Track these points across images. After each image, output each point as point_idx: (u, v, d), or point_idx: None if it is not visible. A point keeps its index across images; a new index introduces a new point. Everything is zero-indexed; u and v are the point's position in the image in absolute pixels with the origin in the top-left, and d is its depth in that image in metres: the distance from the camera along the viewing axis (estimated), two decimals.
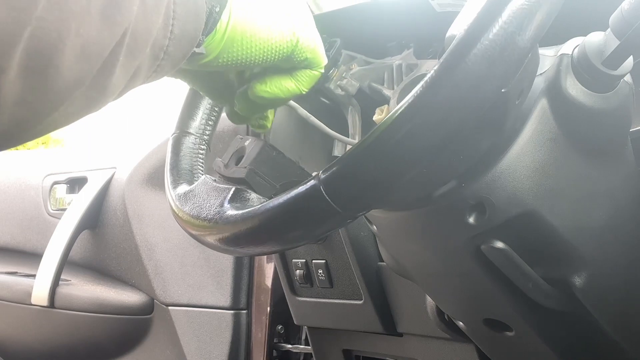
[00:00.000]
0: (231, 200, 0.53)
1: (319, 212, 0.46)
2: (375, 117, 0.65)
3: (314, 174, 0.46)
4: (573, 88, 0.49)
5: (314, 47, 0.55)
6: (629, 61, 0.49)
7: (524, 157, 0.49)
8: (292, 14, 0.53)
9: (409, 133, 0.41)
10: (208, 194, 0.55)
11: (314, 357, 1.06)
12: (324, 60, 0.57)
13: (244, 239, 0.50)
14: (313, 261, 0.94)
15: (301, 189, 0.46)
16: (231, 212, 0.51)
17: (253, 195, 0.54)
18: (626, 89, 0.51)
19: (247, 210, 0.50)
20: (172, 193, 0.60)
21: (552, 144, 0.50)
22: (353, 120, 0.72)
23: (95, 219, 1.56)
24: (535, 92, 0.49)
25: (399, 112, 0.41)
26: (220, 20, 0.49)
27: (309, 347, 1.07)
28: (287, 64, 0.55)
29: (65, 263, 1.51)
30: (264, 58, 0.52)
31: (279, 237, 0.48)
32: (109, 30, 0.35)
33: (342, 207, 0.45)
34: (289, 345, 1.24)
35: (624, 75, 0.50)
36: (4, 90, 0.30)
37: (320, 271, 0.93)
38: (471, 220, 0.50)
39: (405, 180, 0.44)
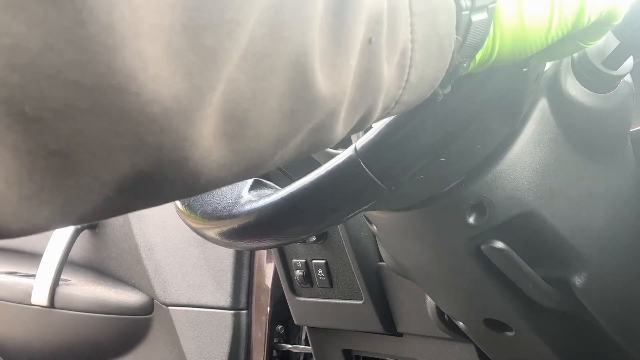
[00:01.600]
0: (251, 190, 0.53)
1: (357, 183, 0.45)
2: None
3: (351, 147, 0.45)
4: (573, 88, 0.49)
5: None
6: (629, 61, 0.49)
7: (524, 157, 0.49)
8: None
9: (441, 107, 0.41)
10: (219, 195, 0.55)
11: (314, 357, 1.06)
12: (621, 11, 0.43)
13: (280, 222, 0.49)
14: (313, 261, 0.94)
15: (339, 160, 0.46)
16: (254, 199, 0.50)
17: (271, 185, 0.53)
18: (626, 89, 0.51)
19: (279, 192, 0.49)
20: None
21: (552, 144, 0.50)
22: None
23: None
24: (535, 92, 0.49)
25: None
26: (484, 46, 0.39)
27: (309, 347, 1.07)
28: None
29: (65, 263, 1.51)
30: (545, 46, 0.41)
31: (321, 214, 0.48)
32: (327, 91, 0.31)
33: (380, 176, 0.44)
34: (289, 345, 1.24)
35: (624, 76, 0.50)
36: (197, 160, 0.26)
37: (320, 271, 0.93)
38: (471, 220, 0.50)
39: (435, 154, 0.44)
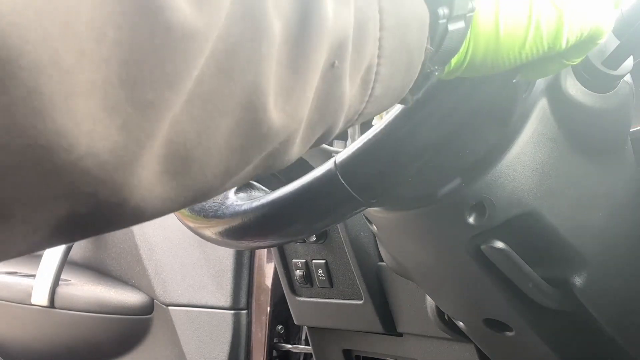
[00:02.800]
0: (238, 192, 0.53)
1: (334, 197, 0.45)
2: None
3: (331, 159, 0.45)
4: (573, 88, 0.49)
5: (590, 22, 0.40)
6: (629, 61, 0.49)
7: (524, 157, 0.49)
8: None
9: (425, 117, 0.41)
10: None
11: (314, 357, 1.06)
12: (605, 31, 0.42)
13: (257, 229, 0.49)
14: (313, 261, 0.94)
15: (318, 174, 0.46)
16: (238, 203, 0.51)
17: (259, 187, 0.54)
18: (626, 89, 0.51)
19: (257, 199, 0.49)
20: None
21: (552, 144, 0.50)
22: None
23: None
24: (535, 92, 0.49)
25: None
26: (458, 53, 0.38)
27: (309, 347, 1.07)
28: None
29: (65, 263, 1.51)
30: (521, 61, 0.40)
31: (298, 224, 0.48)
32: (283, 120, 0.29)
33: (357, 191, 0.44)
34: (289, 345, 1.24)
35: (624, 76, 0.50)
36: (138, 200, 0.26)
37: (320, 271, 0.93)
38: (471, 220, 0.50)
39: (416, 168, 0.44)
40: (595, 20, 0.40)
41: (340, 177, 0.45)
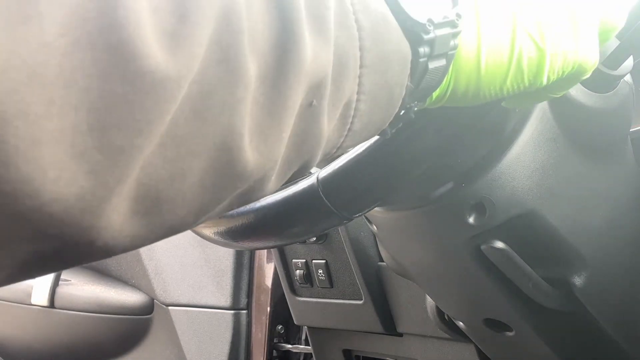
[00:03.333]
0: None
1: (315, 211, 0.46)
2: None
3: (313, 172, 0.46)
4: (573, 88, 0.49)
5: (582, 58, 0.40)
6: (629, 61, 0.49)
7: (524, 157, 0.49)
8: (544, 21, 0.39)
9: (407, 137, 0.41)
10: None
11: (314, 357, 1.06)
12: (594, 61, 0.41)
13: (241, 233, 0.50)
14: (313, 261, 0.94)
15: (300, 188, 0.46)
16: None
17: None
18: (626, 89, 0.51)
19: (245, 206, 0.50)
20: None
21: (552, 144, 0.50)
22: None
23: None
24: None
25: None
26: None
27: (309, 347, 1.07)
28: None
29: None
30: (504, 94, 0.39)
31: (275, 234, 0.49)
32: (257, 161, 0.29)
33: (338, 208, 0.45)
34: (289, 345, 1.24)
35: (624, 76, 0.50)
36: (107, 240, 0.25)
37: (320, 271, 0.93)
38: (471, 220, 0.50)
39: (402, 185, 0.44)
40: (579, 58, 0.40)
41: (321, 193, 0.45)
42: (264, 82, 0.28)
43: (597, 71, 0.49)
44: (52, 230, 0.24)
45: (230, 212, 0.51)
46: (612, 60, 0.48)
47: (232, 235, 0.51)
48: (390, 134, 0.38)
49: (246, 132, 0.28)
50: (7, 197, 0.22)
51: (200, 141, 0.26)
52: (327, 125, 0.32)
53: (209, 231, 0.53)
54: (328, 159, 0.36)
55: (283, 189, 0.48)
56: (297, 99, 0.29)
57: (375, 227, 0.59)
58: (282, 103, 0.28)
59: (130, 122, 0.23)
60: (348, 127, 0.33)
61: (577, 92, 0.49)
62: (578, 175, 0.51)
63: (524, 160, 0.49)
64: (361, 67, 0.32)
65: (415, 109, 0.37)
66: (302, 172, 0.34)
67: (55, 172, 0.22)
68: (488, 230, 0.51)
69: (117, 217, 0.25)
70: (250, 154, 0.28)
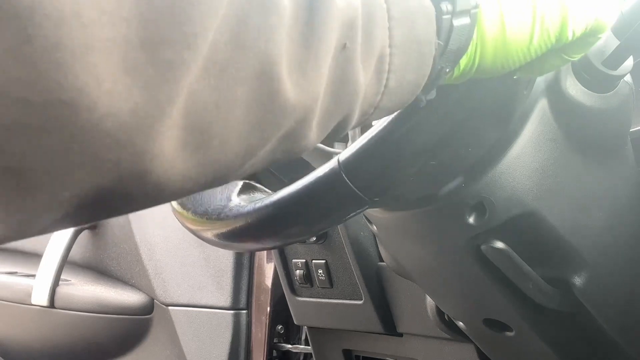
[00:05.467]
0: (240, 194, 0.53)
1: (339, 196, 0.45)
2: None
3: (334, 158, 0.45)
4: (573, 88, 0.49)
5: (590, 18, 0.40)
6: (629, 61, 0.49)
7: (524, 157, 0.49)
8: None
9: (426, 114, 0.41)
10: (209, 193, 0.55)
11: (314, 357, 1.06)
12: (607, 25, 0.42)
13: (261, 230, 0.49)
14: (313, 261, 0.94)
15: (321, 173, 0.46)
16: (241, 204, 0.51)
17: (261, 188, 0.53)
18: (626, 89, 0.51)
19: (261, 200, 0.49)
20: None
21: (552, 144, 0.50)
22: None
23: None
24: (535, 92, 0.49)
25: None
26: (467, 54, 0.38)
27: (309, 347, 1.07)
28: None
29: (65, 263, 1.51)
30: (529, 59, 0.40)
31: (302, 224, 0.48)
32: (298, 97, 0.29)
33: (362, 190, 0.45)
34: (289, 345, 1.24)
35: (624, 76, 0.50)
36: (160, 173, 0.25)
37: (320, 271, 0.93)
38: (471, 220, 0.50)
39: (422, 165, 0.44)
40: (598, 13, 0.40)
41: (344, 176, 0.45)
42: (297, 17, 0.29)
43: (597, 71, 0.49)
44: (109, 154, 0.24)
45: (246, 209, 0.50)
46: (612, 60, 0.48)
47: (250, 234, 0.50)
48: (425, 101, 0.38)
49: (284, 63, 0.28)
50: (65, 108, 0.22)
51: (241, 68, 0.27)
52: (363, 76, 0.32)
53: (219, 233, 0.52)
54: (365, 120, 0.36)
55: (304, 178, 0.47)
56: (330, 38, 0.30)
57: (375, 227, 0.59)
58: (316, 39, 0.29)
59: (179, 35, 0.24)
60: (384, 82, 0.34)
61: (577, 92, 0.49)
62: (578, 175, 0.51)
63: (524, 160, 0.49)
64: (389, 19, 0.33)
65: (447, 70, 0.37)
66: (342, 127, 0.34)
67: (110, 84, 0.23)
68: (488, 230, 0.51)
69: (169, 146, 0.25)
70: (289, 86, 0.29)
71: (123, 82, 0.23)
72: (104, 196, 0.25)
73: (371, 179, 0.45)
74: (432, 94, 0.39)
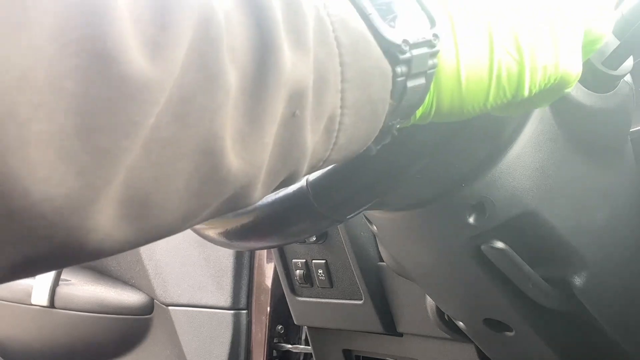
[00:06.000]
0: None
1: (306, 215, 0.46)
2: None
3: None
4: (573, 88, 0.49)
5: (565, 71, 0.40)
6: (629, 61, 0.49)
7: (524, 157, 0.49)
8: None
9: (398, 140, 0.41)
10: None
11: (314, 357, 1.06)
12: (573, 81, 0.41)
13: (237, 234, 0.50)
14: (313, 261, 0.94)
15: (290, 191, 0.46)
16: None
17: None
18: (626, 89, 0.51)
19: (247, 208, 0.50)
20: None
21: (552, 144, 0.50)
22: None
23: None
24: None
25: None
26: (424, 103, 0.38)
27: (309, 347, 1.07)
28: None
29: None
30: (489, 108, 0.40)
31: (270, 235, 0.49)
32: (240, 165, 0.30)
33: (328, 212, 0.45)
34: (289, 345, 1.24)
35: (624, 76, 0.50)
36: (96, 244, 0.26)
37: (320, 271, 0.93)
38: (471, 220, 0.50)
39: (394, 187, 0.44)
40: (560, 70, 0.39)
41: (310, 198, 0.45)
42: (244, 91, 0.29)
43: (597, 71, 0.49)
44: (42, 232, 0.24)
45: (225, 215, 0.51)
46: (612, 60, 0.48)
47: (228, 236, 0.51)
48: (375, 150, 0.38)
49: (228, 137, 0.28)
50: None
51: (183, 145, 0.27)
52: (312, 137, 0.33)
53: (209, 232, 0.53)
54: (314, 171, 0.36)
55: (276, 193, 0.48)
56: (277, 108, 0.30)
57: (375, 227, 0.59)
58: (262, 111, 0.29)
59: (116, 125, 0.24)
60: (333, 140, 0.34)
61: (577, 92, 0.49)
62: (578, 175, 0.51)
63: (524, 160, 0.49)
64: (342, 81, 0.33)
65: (398, 126, 0.38)
66: (289, 182, 0.34)
67: (45, 172, 0.23)
68: (488, 230, 0.51)
69: (105, 220, 0.26)
70: (233, 159, 0.29)
71: (58, 169, 0.24)
72: (37, 262, 0.26)
73: (338, 201, 0.45)
74: (385, 141, 0.39)
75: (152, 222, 0.28)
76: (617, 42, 0.48)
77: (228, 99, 0.28)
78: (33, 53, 0.22)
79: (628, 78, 0.51)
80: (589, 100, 0.50)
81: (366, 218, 0.60)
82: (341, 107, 0.33)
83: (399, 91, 0.36)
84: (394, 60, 0.35)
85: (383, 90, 0.35)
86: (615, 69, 0.49)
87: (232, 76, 0.28)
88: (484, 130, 0.47)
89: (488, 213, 0.50)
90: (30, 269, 0.26)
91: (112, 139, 0.24)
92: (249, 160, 0.30)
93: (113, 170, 0.25)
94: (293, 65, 0.30)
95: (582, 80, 0.49)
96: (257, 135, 0.30)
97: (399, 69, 0.35)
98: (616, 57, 0.48)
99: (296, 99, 0.31)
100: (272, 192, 0.35)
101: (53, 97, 0.23)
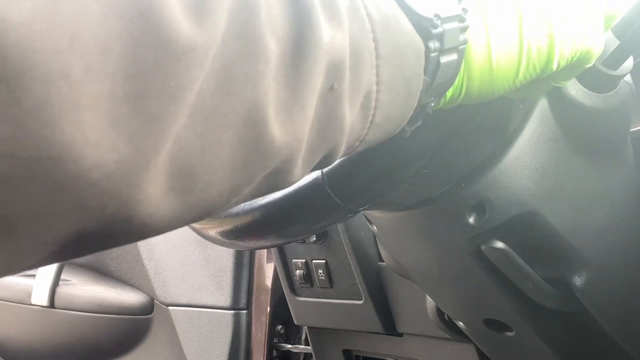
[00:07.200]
0: None
1: (321, 205, 0.46)
2: None
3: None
4: (573, 88, 0.49)
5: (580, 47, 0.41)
6: (629, 61, 0.49)
7: (524, 157, 0.49)
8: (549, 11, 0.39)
9: (416, 128, 0.41)
10: None
11: (314, 357, 1.06)
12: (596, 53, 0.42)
13: (246, 232, 0.50)
14: (313, 261, 0.94)
15: (305, 182, 0.46)
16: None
17: None
18: (626, 89, 0.51)
19: (249, 202, 0.50)
20: None
21: (552, 144, 0.50)
22: None
23: None
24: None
25: None
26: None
27: (309, 347, 1.07)
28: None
29: (66, 263, 1.51)
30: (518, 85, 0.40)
31: (280, 230, 0.49)
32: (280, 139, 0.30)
33: (344, 201, 0.45)
34: (289, 345, 1.24)
35: (624, 76, 0.50)
36: (144, 217, 0.26)
37: (320, 271, 0.93)
38: (471, 220, 0.50)
39: (407, 177, 0.44)
40: (585, 44, 0.40)
41: (327, 187, 0.45)
42: (284, 60, 0.29)
43: (597, 71, 0.49)
44: (94, 202, 0.24)
45: (235, 211, 0.51)
46: (612, 60, 0.48)
47: (237, 234, 0.51)
48: (409, 132, 0.38)
49: (271, 108, 0.29)
50: (52, 162, 0.22)
51: (227, 114, 0.27)
52: (350, 113, 0.33)
53: (213, 231, 0.53)
54: (351, 152, 0.36)
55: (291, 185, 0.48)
56: (317, 80, 0.30)
57: (375, 227, 0.59)
58: (302, 83, 0.30)
59: (165, 89, 0.24)
60: (370, 119, 0.34)
61: (577, 92, 0.49)
62: (578, 175, 0.51)
63: (524, 160, 0.49)
64: (377, 57, 0.33)
65: (432, 104, 0.38)
66: (327, 161, 0.34)
67: (96, 137, 0.23)
68: (488, 230, 0.51)
69: (154, 192, 0.26)
70: (276, 129, 0.29)
71: (109, 135, 0.23)
72: (88, 237, 0.26)
73: (355, 190, 0.45)
74: (418, 123, 0.39)
75: (198, 196, 0.28)
76: (617, 42, 0.48)
77: (269, 68, 0.28)
78: (82, 13, 0.22)
79: (628, 78, 0.51)
80: (589, 100, 0.50)
81: (366, 218, 0.60)
82: (377, 83, 0.33)
83: (432, 67, 0.36)
84: (426, 35, 0.35)
85: (417, 66, 0.35)
86: (615, 69, 0.49)
87: (272, 45, 0.28)
88: (485, 130, 0.47)
89: (488, 213, 0.50)
90: (79, 245, 0.26)
91: (161, 104, 0.24)
92: (292, 131, 0.30)
93: (162, 138, 0.25)
94: (330, 37, 0.30)
95: (582, 80, 0.50)
96: (299, 107, 0.30)
97: (432, 44, 0.35)
98: (616, 57, 0.48)
99: (334, 72, 0.31)
100: (312, 171, 0.34)
101: (102, 59, 0.23)
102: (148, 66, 0.24)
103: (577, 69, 0.42)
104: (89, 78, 0.22)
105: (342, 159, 0.45)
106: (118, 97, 0.23)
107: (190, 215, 0.28)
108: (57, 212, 0.24)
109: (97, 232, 0.25)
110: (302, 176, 0.33)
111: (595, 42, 0.41)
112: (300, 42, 0.29)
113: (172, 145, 0.25)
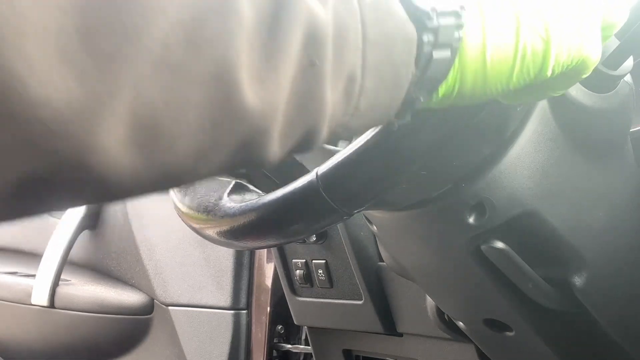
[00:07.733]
0: (231, 193, 0.53)
1: (315, 208, 0.46)
2: None
3: (313, 170, 0.46)
4: (573, 88, 0.49)
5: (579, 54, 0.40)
6: (629, 61, 0.49)
7: (524, 157, 0.49)
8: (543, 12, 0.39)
9: (406, 133, 0.41)
10: (208, 187, 0.56)
11: (314, 357, 1.06)
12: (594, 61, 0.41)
13: (241, 232, 0.50)
14: (313, 261, 0.94)
15: (299, 184, 0.46)
16: (230, 205, 0.51)
17: (253, 189, 0.54)
18: (626, 89, 0.51)
19: (245, 203, 0.50)
20: None
21: (552, 144, 0.50)
22: None
23: (95, 219, 1.56)
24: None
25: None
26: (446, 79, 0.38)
27: (309, 347, 1.07)
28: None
29: (65, 263, 1.51)
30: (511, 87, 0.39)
31: (276, 232, 0.49)
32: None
33: (338, 204, 0.45)
34: (289, 345, 1.24)
35: (624, 76, 0.50)
36: (103, 167, 0.25)
37: (320, 271, 0.93)
38: (471, 220, 0.50)
39: (402, 180, 0.44)
40: (582, 52, 0.40)
41: (321, 190, 0.45)
42: (259, 25, 0.28)
43: (597, 71, 0.49)
44: (43, 143, 0.23)
45: (232, 211, 0.51)
46: (612, 60, 0.48)
47: (233, 235, 0.51)
48: (397, 126, 0.38)
49: (243, 69, 0.28)
50: None
51: (196, 69, 0.26)
52: (331, 94, 0.32)
53: (210, 231, 0.53)
54: (335, 138, 0.36)
55: (285, 187, 0.48)
56: (293, 48, 0.30)
57: (375, 227, 0.59)
58: (277, 49, 0.29)
59: (116, 28, 0.23)
60: (354, 105, 0.33)
61: (577, 92, 0.49)
62: (578, 175, 0.51)
63: (524, 160, 0.49)
64: (364, 40, 0.32)
65: (422, 99, 0.37)
66: (307, 142, 0.33)
67: (44, 72, 0.22)
68: (488, 230, 0.51)
69: (112, 142, 0.25)
70: (248, 93, 0.28)
71: (58, 71, 0.23)
72: (42, 184, 0.25)
73: (349, 193, 0.45)
74: (407, 119, 0.38)
75: (162, 154, 0.27)
76: (617, 42, 0.48)
77: (242, 28, 0.28)
78: None
79: (628, 78, 0.51)
80: (589, 100, 0.50)
81: (366, 218, 0.60)
82: (362, 67, 0.33)
83: (424, 60, 0.35)
84: (420, 27, 0.34)
85: (407, 54, 0.34)
86: (615, 69, 0.49)
87: (246, 5, 0.28)
88: (485, 130, 0.47)
89: (488, 213, 0.50)
90: (32, 194, 0.25)
91: (114, 43, 0.23)
92: (264, 97, 0.29)
93: (117, 81, 0.24)
94: (309, 8, 0.30)
95: (583, 81, 0.50)
96: (273, 74, 0.29)
97: (425, 37, 0.35)
98: (616, 57, 0.48)
99: (314, 46, 0.30)
100: (292, 152, 0.34)
101: None
102: (99, 2, 0.23)
103: (573, 78, 0.42)
104: (37, 8, 0.22)
105: (335, 161, 0.45)
106: (67, 32, 0.22)
107: (154, 175, 0.27)
108: (6, 150, 0.23)
109: (50, 181, 0.24)
110: (281, 153, 0.32)
111: (592, 52, 0.40)
112: (276, 6, 0.29)
113: (133, 95, 0.25)
